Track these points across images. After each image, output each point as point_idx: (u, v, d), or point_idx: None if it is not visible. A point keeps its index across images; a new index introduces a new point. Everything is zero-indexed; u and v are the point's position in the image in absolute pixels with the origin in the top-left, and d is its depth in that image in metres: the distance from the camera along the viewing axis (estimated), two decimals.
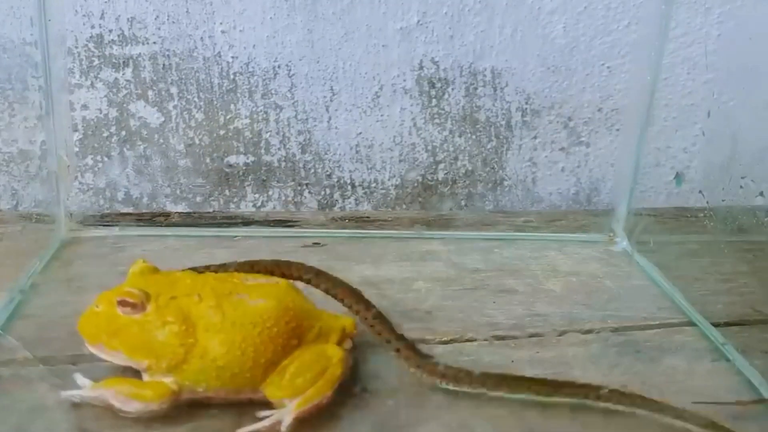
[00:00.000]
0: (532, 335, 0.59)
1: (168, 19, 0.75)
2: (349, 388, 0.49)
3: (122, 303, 0.47)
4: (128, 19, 0.74)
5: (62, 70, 0.73)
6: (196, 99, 0.78)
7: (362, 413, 0.48)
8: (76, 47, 0.75)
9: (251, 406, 0.48)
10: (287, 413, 0.46)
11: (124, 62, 0.76)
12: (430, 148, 0.82)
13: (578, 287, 0.67)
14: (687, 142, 0.75)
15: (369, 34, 0.77)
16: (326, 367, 0.48)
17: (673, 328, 0.61)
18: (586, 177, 0.84)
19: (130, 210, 0.81)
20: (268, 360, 0.47)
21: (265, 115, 0.79)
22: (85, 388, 0.48)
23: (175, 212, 0.80)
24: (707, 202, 0.64)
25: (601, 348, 0.57)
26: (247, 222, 0.78)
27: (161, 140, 0.79)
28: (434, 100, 0.80)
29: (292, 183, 0.83)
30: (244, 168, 0.81)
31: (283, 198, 0.83)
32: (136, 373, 0.48)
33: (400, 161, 0.82)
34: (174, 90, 0.77)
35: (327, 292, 0.55)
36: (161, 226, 0.76)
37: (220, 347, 0.46)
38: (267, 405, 0.48)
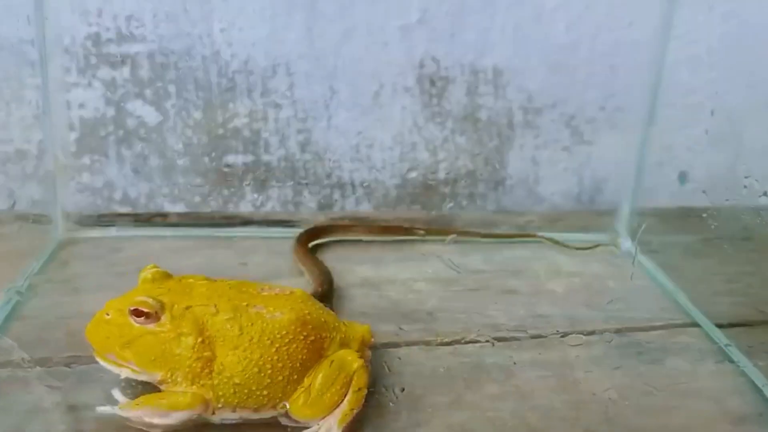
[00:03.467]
0: (534, 336, 0.58)
1: (166, 18, 0.74)
2: None
3: (135, 313, 0.46)
4: (126, 17, 0.74)
5: (59, 69, 0.73)
6: (194, 98, 0.77)
7: (363, 415, 0.48)
8: (73, 46, 0.74)
9: (278, 423, 0.47)
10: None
11: (121, 61, 0.75)
12: (431, 147, 0.81)
13: (581, 288, 0.67)
14: (690, 141, 0.74)
15: (369, 32, 0.76)
16: (349, 377, 0.47)
17: (677, 329, 0.61)
18: (588, 176, 0.84)
19: (128, 210, 0.80)
20: (287, 377, 0.46)
21: (264, 114, 0.79)
22: (121, 405, 0.47)
23: (173, 212, 0.80)
24: (711, 202, 0.64)
25: (603, 349, 0.57)
26: (246, 222, 0.78)
27: (159, 139, 0.79)
28: (435, 99, 0.80)
29: (292, 183, 0.82)
30: (242, 167, 0.81)
31: (283, 198, 0.83)
32: (147, 385, 0.47)
33: (401, 161, 0.82)
34: (172, 89, 0.77)
35: None
36: (159, 226, 0.76)
37: (237, 365, 0.45)
38: (290, 420, 0.47)
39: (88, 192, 0.79)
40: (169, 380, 0.46)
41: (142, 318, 0.45)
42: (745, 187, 0.59)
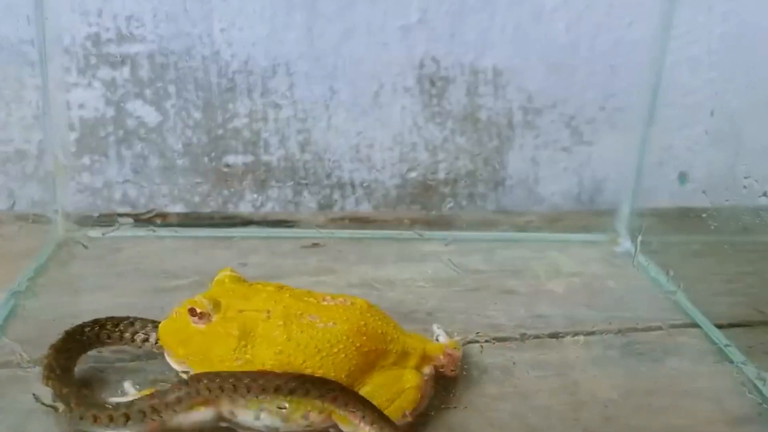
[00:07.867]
0: (534, 336, 0.58)
1: (166, 17, 0.74)
2: None
3: (191, 312, 0.47)
4: (126, 17, 0.74)
5: (59, 69, 0.73)
6: (194, 98, 0.77)
7: None
8: (73, 46, 0.74)
9: None
10: None
11: (121, 61, 0.75)
12: (430, 147, 0.81)
13: (581, 288, 0.67)
14: (690, 141, 0.74)
15: (369, 32, 0.76)
16: (399, 392, 0.46)
17: (676, 329, 0.61)
18: (588, 177, 0.84)
19: (128, 210, 0.80)
20: None
21: (263, 114, 0.79)
22: (131, 396, 0.47)
23: (173, 212, 0.80)
24: (710, 202, 0.64)
25: (603, 350, 0.57)
26: (245, 222, 0.78)
27: (159, 139, 0.79)
28: (435, 99, 0.80)
29: (291, 183, 0.82)
30: (242, 168, 0.81)
31: (282, 198, 0.83)
32: None
33: (401, 161, 0.82)
34: (172, 89, 0.77)
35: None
36: (159, 226, 0.76)
37: (278, 368, 0.45)
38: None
39: (87, 192, 0.79)
40: None
41: (196, 317, 0.47)
42: (744, 187, 0.59)
